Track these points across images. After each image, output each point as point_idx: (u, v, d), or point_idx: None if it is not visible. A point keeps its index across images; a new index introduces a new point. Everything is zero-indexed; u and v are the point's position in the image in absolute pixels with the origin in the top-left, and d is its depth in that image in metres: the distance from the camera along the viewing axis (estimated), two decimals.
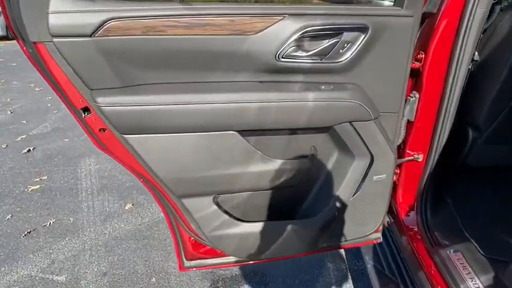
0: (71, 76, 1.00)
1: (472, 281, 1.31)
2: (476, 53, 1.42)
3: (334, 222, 1.42)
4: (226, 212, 1.33)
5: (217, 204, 1.31)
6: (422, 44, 1.27)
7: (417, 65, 1.29)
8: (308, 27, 1.01)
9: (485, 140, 1.61)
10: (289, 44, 1.02)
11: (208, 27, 0.96)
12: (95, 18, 0.89)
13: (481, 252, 1.40)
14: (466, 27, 1.18)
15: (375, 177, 1.34)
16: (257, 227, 1.35)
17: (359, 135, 1.22)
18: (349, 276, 2.26)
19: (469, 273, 1.33)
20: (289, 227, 1.36)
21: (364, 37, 1.07)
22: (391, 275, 1.68)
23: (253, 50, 1.01)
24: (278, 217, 1.40)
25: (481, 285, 1.29)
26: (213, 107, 1.06)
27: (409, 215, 1.64)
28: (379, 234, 1.60)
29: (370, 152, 1.28)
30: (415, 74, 1.33)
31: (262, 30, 0.99)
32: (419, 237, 1.55)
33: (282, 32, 1.00)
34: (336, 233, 1.45)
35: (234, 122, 1.11)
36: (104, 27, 0.90)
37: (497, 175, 1.81)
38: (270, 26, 0.99)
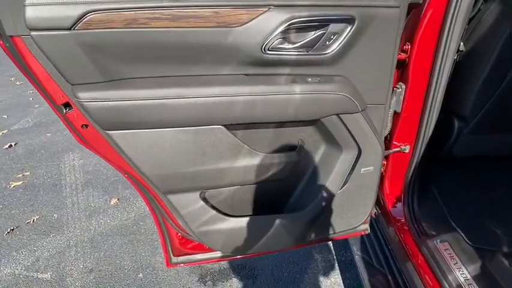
0: (51, 71, 0.96)
1: (459, 270, 1.32)
2: (462, 43, 1.41)
3: (322, 215, 1.41)
4: (213, 207, 1.31)
5: (204, 199, 1.29)
6: (408, 35, 1.26)
7: (403, 56, 1.28)
8: (294, 19, 0.99)
9: (470, 130, 1.62)
10: (275, 36, 1.00)
11: (192, 19, 0.93)
12: (75, 11, 0.85)
13: (468, 242, 1.42)
14: (452, 18, 1.17)
15: (362, 170, 1.33)
16: (245, 221, 1.34)
17: (346, 127, 1.21)
18: (337, 268, 2.27)
19: (456, 263, 1.35)
20: (277, 221, 1.35)
21: (351, 28, 1.05)
22: (378, 266, 1.69)
23: (239, 42, 0.98)
24: (266, 211, 1.39)
25: (468, 274, 1.31)
26: (198, 101, 1.03)
27: (396, 206, 1.64)
28: (367, 226, 1.60)
29: (358, 145, 1.27)
30: (401, 65, 1.32)
31: (247, 22, 0.96)
32: (406, 228, 1.56)
33: (267, 24, 0.98)
34: (324, 225, 1.45)
35: (220, 116, 1.09)
36: (84, 19, 0.86)
37: (483, 165, 1.82)
38: (255, 17, 0.96)
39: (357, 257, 1.82)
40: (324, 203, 1.37)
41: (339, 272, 2.24)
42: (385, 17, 1.08)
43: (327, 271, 2.26)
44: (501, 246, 1.38)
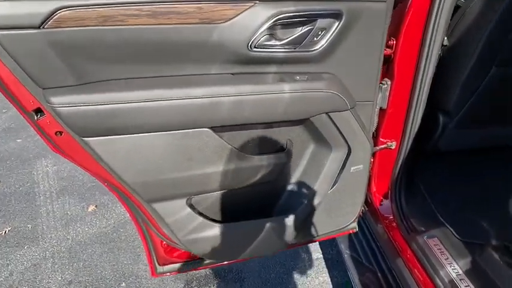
0: (19, 74, 0.87)
1: (450, 266, 1.32)
2: (446, 37, 1.41)
3: (313, 216, 1.38)
4: (201, 214, 1.25)
5: (191, 206, 1.23)
6: (393, 30, 1.24)
7: (388, 51, 1.26)
8: (281, 14, 0.94)
9: (455, 124, 1.63)
10: (261, 33, 0.95)
11: (174, 15, 0.87)
12: (44, 7, 0.77)
13: (457, 236, 1.42)
14: (437, 11, 1.16)
15: (352, 169, 1.31)
16: (234, 227, 1.29)
17: (336, 126, 1.18)
18: (324, 266, 2.26)
19: (447, 258, 1.35)
20: (267, 225, 1.30)
21: (339, 23, 1.02)
22: (368, 263, 1.68)
23: (224, 39, 0.93)
24: (255, 215, 1.34)
25: (459, 269, 1.31)
26: (182, 102, 0.97)
27: (383, 203, 1.63)
28: (355, 224, 1.58)
29: (347, 143, 1.24)
30: (387, 61, 1.30)
31: (232, 18, 0.91)
32: (394, 225, 1.55)
33: (253, 19, 0.93)
34: (314, 227, 1.42)
35: (206, 118, 1.03)
36: (55, 17, 0.79)
37: (467, 158, 1.84)
38: (240, 13, 0.91)
39: (345, 255, 1.80)
40: (314, 204, 1.34)
41: (327, 271, 2.23)
42: (372, 11, 1.05)
43: (314, 270, 2.24)
44: (489, 240, 1.39)
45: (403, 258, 1.46)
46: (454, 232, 1.44)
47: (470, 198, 1.62)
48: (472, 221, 1.49)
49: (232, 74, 1.03)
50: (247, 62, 1.01)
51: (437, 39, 1.20)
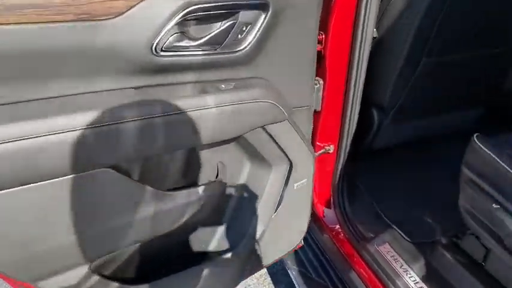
0: None
1: (406, 274, 1.24)
2: (375, 29, 1.31)
3: (258, 247, 1.17)
4: (114, 278, 0.93)
5: (97, 271, 0.91)
6: (321, 23, 1.09)
7: (318, 47, 1.11)
8: (192, 6, 0.72)
9: (390, 120, 1.56)
10: (168, 31, 0.71)
11: (32, 10, 0.58)
12: None
13: (406, 238, 1.36)
14: (367, 1, 1.03)
15: (295, 185, 1.13)
16: (164, 284, 1.00)
17: (273, 140, 0.98)
18: (270, 281, 2.10)
19: (402, 265, 1.27)
20: (205, 272, 1.04)
21: (266, 16, 0.83)
22: (318, 278, 1.54)
23: (115, 41, 0.67)
24: (190, 262, 1.07)
25: (416, 277, 1.23)
26: (61, 137, 0.66)
27: (327, 213, 1.51)
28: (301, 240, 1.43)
29: (288, 158, 1.06)
30: (317, 58, 1.16)
31: (124, 12, 0.66)
32: (342, 235, 1.43)
33: (155, 13, 0.69)
34: (261, 257, 1.22)
35: (103, 154, 0.73)
36: None
37: (404, 153, 1.80)
38: (135, 5, 0.66)
39: (294, 272, 1.64)
40: (258, 234, 1.13)
41: (273, 286, 2.07)
42: (302, 1, 0.89)
43: (259, 287, 2.06)
44: (438, 237, 1.34)
45: (356, 270, 1.36)
46: (402, 234, 1.37)
47: (412, 195, 1.58)
48: (418, 219, 1.44)
49: (134, 88, 0.76)
50: (153, 71, 0.77)
51: (368, 31, 1.09)
